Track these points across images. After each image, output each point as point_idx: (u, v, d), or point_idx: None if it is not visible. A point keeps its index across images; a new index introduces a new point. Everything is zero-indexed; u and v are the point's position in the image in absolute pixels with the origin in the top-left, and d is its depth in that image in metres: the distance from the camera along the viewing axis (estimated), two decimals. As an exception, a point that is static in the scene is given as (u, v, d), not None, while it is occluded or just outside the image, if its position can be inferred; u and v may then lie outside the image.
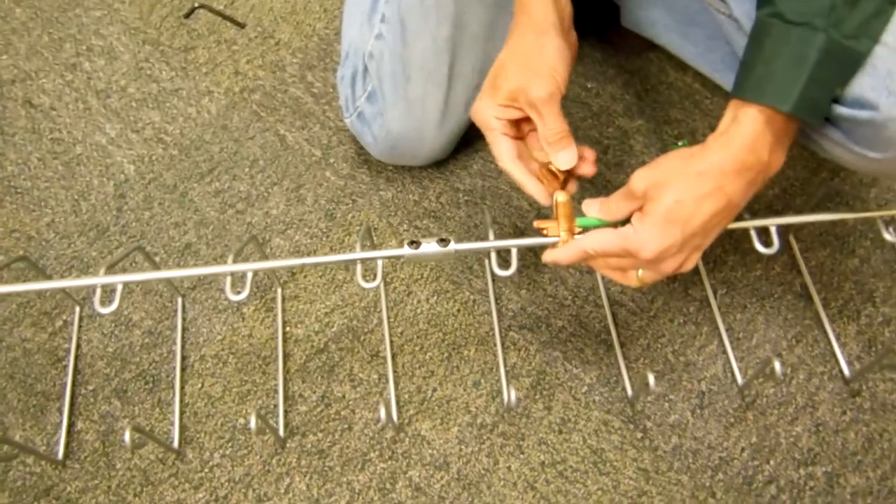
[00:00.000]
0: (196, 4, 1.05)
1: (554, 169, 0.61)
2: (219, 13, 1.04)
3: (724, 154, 0.54)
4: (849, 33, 0.50)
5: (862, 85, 0.51)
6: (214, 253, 0.85)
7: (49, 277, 0.82)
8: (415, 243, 0.62)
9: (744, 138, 0.53)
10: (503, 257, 0.79)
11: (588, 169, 0.62)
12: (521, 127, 0.63)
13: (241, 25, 1.04)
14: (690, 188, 0.54)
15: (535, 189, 0.62)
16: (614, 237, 0.56)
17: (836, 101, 0.53)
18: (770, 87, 0.52)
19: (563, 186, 0.62)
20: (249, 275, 0.65)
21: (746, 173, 0.54)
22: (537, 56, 0.60)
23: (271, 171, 0.91)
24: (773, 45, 0.52)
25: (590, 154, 0.62)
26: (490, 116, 0.62)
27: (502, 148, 0.62)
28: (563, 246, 0.59)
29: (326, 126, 0.94)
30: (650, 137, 0.92)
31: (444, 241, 0.62)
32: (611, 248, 0.56)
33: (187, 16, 1.05)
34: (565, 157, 0.60)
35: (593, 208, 0.60)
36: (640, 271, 0.59)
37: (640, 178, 0.56)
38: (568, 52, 0.61)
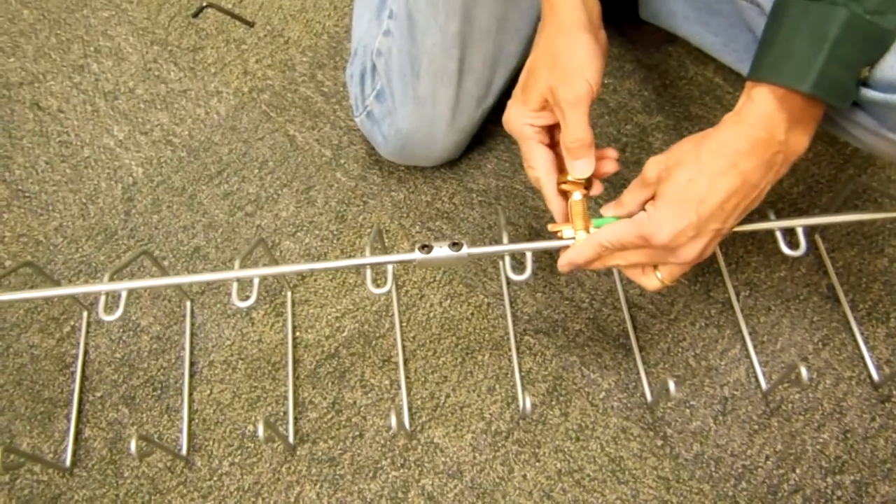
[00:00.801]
0: (204, 3, 1.03)
1: (573, 177, 0.59)
2: (227, 12, 1.03)
3: (736, 132, 0.52)
4: (872, 8, 0.48)
5: (893, 66, 0.49)
6: (224, 256, 0.84)
7: (56, 282, 0.81)
8: (426, 247, 0.60)
9: (757, 116, 0.51)
10: (518, 260, 0.77)
11: (610, 167, 0.60)
12: (554, 134, 0.61)
13: (250, 24, 1.02)
14: (703, 167, 0.52)
15: (558, 209, 0.60)
16: (628, 225, 0.54)
17: (866, 84, 0.51)
18: (786, 66, 0.50)
19: (587, 189, 0.59)
20: (256, 280, 0.63)
21: (761, 152, 0.52)
22: (566, 57, 0.57)
23: (281, 172, 0.89)
24: (791, 23, 0.50)
25: (612, 153, 0.60)
26: (523, 124, 0.59)
27: (538, 158, 0.59)
28: (576, 245, 0.57)
29: (337, 126, 0.92)
30: (669, 134, 0.89)
31: (456, 245, 0.60)
32: (626, 238, 0.55)
33: (195, 15, 1.03)
34: (581, 166, 0.58)
35: (610, 210, 0.59)
36: (660, 273, 0.57)
37: (652, 165, 0.55)
38: (599, 51, 0.58)
